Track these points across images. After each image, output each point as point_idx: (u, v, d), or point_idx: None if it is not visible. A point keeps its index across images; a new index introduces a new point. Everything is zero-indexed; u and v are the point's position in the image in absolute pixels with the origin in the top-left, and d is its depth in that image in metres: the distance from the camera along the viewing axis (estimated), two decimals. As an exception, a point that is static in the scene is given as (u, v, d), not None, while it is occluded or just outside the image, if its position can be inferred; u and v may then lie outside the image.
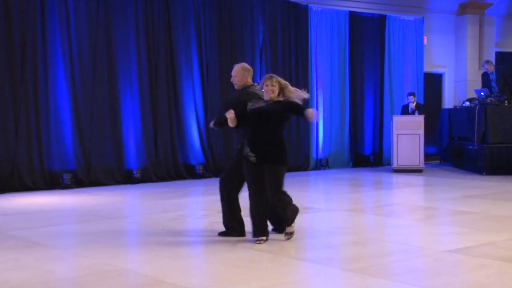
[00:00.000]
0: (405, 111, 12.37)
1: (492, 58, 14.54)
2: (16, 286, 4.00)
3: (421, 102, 13.65)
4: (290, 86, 5.33)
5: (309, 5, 12.52)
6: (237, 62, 11.95)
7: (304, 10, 12.45)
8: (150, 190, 9.26)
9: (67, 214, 7.22)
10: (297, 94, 5.33)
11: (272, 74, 5.40)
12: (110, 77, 10.01)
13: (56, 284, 4.11)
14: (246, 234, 5.43)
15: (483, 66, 12.58)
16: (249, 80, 5.63)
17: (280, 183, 5.23)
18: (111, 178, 9.94)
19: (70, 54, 9.60)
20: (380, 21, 13.45)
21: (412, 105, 12.25)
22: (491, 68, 12.25)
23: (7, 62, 9.04)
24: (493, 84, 12.17)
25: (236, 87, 5.66)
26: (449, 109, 13.28)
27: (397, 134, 11.65)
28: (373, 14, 13.46)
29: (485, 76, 12.45)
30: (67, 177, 9.41)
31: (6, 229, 6.02)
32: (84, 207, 7.60)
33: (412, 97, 12.33)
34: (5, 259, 4.75)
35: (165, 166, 10.53)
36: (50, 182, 9.38)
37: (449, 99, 15.05)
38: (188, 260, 4.86)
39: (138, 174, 10.10)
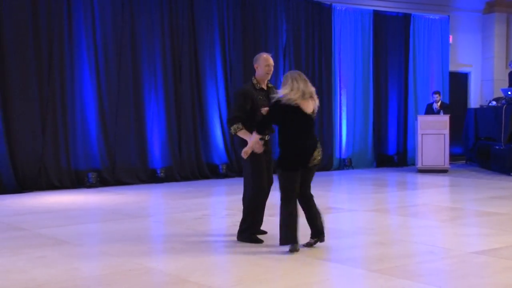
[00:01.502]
0: (429, 110, 12.22)
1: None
2: (43, 284, 4.06)
3: (447, 101, 13.49)
4: None
5: (333, 4, 12.47)
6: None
7: (327, 9, 12.40)
8: (174, 190, 9.32)
9: (92, 213, 7.30)
10: None
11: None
12: (135, 77, 10.11)
13: (82, 282, 4.16)
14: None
15: (510, 65, 12.40)
16: None
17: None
18: (135, 178, 10.03)
19: (96, 54, 9.72)
20: (404, 20, 13.33)
21: (437, 104, 12.11)
22: None
23: (34, 63, 9.18)
24: (520, 83, 12.00)
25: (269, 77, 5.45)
26: (475, 109, 13.10)
27: (422, 134, 11.53)
28: (397, 13, 13.34)
29: (511, 75, 12.26)
30: (92, 176, 9.52)
31: (33, 227, 6.11)
32: (109, 206, 7.68)
33: (437, 95, 12.18)
34: (32, 257, 4.82)
35: (189, 165, 10.59)
36: (76, 181, 9.51)
37: (475, 99, 14.85)
38: (212, 259, 4.87)
39: (162, 174, 10.18)
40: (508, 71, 12.79)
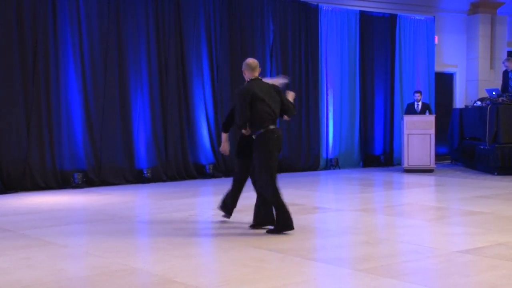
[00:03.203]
0: (410, 109, 12.29)
1: (504, 57, 14.43)
2: (28, 285, 4.02)
3: (433, 101, 13.61)
4: None
5: (319, 4, 12.50)
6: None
7: (314, 10, 12.44)
8: (160, 190, 9.28)
9: (78, 214, 7.26)
10: None
11: None
12: (121, 77, 10.05)
13: (68, 283, 4.13)
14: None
15: (503, 63, 12.46)
16: (248, 75, 5.78)
17: None
18: (121, 178, 9.98)
19: (81, 54, 9.66)
20: (390, 20, 13.41)
21: (419, 103, 12.22)
22: (511, 66, 12.12)
23: (19, 62, 9.10)
24: (511, 82, 12.07)
25: None
26: (461, 109, 13.20)
27: (408, 134, 11.60)
28: (383, 13, 13.41)
29: (504, 74, 12.33)
30: (78, 176, 9.46)
31: (17, 228, 6.06)
32: (95, 207, 7.63)
33: (418, 94, 12.28)
34: (17, 258, 4.78)
35: (175, 165, 10.56)
36: (61, 181, 9.44)
37: (460, 99, 14.97)
38: (199, 259, 4.87)
39: (148, 174, 10.14)
40: (498, 70, 12.85)
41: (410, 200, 8.24)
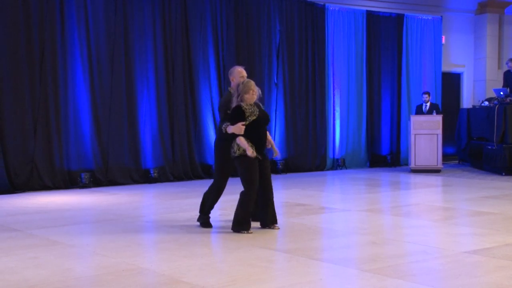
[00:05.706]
0: (419, 111, 12.28)
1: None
2: (35, 284, 4.04)
3: (439, 101, 13.56)
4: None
5: (326, 4, 12.49)
6: (254, 62, 12.09)
7: (321, 10, 12.43)
8: (167, 190, 9.30)
9: (85, 213, 7.28)
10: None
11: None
12: (128, 78, 10.08)
13: (75, 282, 4.14)
14: None
15: (507, 64, 12.41)
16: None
17: None
18: (128, 178, 10.01)
19: (89, 54, 9.69)
20: (397, 20, 13.37)
21: (427, 104, 12.19)
22: None
23: (26, 62, 9.14)
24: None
25: None
26: (468, 109, 13.16)
27: (415, 134, 11.57)
28: (390, 13, 13.39)
29: (507, 74, 12.28)
30: (85, 176, 9.49)
31: (25, 228, 6.09)
32: (102, 206, 7.66)
33: (426, 96, 12.25)
34: (25, 258, 4.80)
35: (182, 165, 10.57)
36: (69, 181, 9.48)
37: (467, 99, 14.92)
38: (205, 259, 4.86)
39: (155, 174, 10.16)
40: (504, 70, 12.80)
41: (417, 200, 8.22)
